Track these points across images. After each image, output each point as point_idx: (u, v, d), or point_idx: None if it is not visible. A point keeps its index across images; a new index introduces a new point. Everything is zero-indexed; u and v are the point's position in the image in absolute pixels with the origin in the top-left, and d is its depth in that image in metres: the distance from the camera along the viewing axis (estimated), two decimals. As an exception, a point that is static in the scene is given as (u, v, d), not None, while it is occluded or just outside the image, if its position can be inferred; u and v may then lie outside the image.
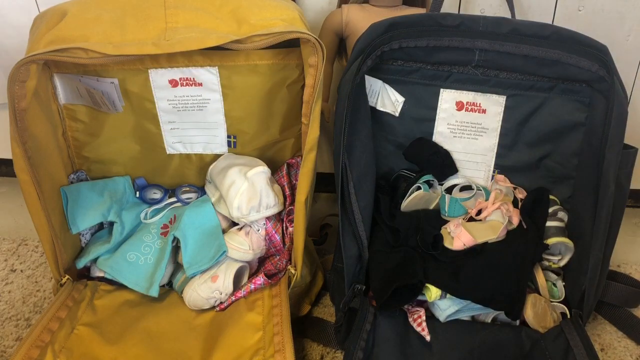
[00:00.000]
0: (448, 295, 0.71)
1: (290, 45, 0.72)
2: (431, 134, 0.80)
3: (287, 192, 0.82)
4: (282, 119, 0.82)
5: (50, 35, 0.64)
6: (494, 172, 0.81)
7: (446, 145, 0.81)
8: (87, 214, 0.78)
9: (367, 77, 0.75)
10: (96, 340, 0.69)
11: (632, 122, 0.72)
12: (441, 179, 0.81)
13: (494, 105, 0.78)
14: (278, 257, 0.80)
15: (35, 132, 0.68)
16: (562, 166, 0.78)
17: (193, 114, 0.81)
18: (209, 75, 0.78)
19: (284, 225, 0.81)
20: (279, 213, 0.81)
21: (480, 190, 0.80)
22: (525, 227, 0.75)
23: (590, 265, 0.71)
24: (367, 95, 0.75)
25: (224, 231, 0.80)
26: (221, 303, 0.75)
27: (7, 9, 0.88)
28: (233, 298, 0.75)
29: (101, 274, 0.79)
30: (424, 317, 0.70)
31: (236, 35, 0.64)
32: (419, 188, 0.78)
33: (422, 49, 0.72)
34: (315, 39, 0.64)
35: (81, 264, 0.78)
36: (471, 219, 0.77)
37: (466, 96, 0.78)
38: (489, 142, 0.80)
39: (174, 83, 0.78)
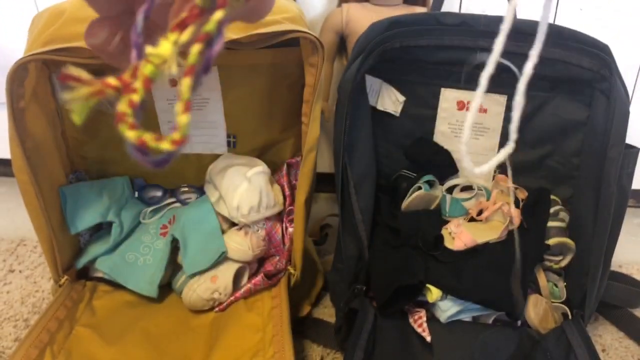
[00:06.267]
0: (449, 296, 0.70)
1: (290, 44, 0.72)
2: (432, 133, 0.80)
3: (287, 192, 0.81)
4: (282, 118, 0.82)
5: (49, 34, 0.64)
6: (495, 172, 0.81)
7: (447, 145, 0.80)
8: (86, 214, 0.77)
9: (367, 77, 0.75)
10: (95, 341, 0.69)
11: (634, 122, 0.71)
12: (442, 179, 0.81)
13: (496, 105, 0.77)
14: (278, 258, 0.80)
15: (34, 132, 0.67)
16: (563, 166, 0.78)
17: (192, 114, 0.79)
18: (208, 74, 0.77)
19: (284, 225, 0.81)
20: (279, 213, 0.81)
21: (482, 190, 0.79)
22: (526, 227, 0.75)
23: (592, 265, 0.70)
24: (367, 95, 0.74)
25: (223, 231, 0.79)
26: (220, 304, 0.75)
27: (5, 9, 0.88)
28: (232, 299, 0.75)
29: (100, 275, 0.78)
30: (424, 318, 0.69)
31: (235, 34, 0.64)
32: (419, 188, 0.77)
33: (423, 48, 0.72)
34: (316, 38, 0.63)
35: (80, 264, 0.78)
36: (472, 219, 0.77)
37: (467, 95, 0.77)
38: (490, 142, 0.79)
39: (173, 82, 0.78)
